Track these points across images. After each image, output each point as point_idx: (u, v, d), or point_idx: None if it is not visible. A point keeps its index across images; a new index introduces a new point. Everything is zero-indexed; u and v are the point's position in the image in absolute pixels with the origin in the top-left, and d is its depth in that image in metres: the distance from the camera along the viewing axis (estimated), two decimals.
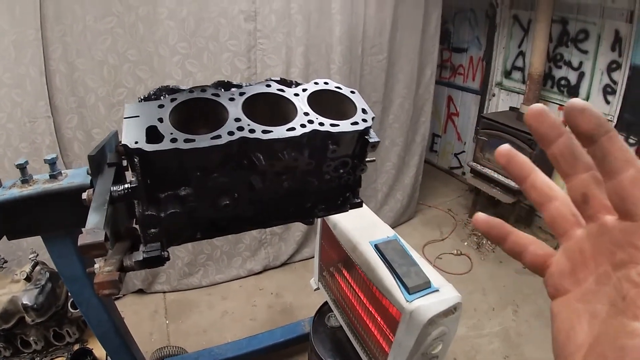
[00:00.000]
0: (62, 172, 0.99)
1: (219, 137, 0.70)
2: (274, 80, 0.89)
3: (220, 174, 0.77)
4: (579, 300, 0.34)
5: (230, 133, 0.71)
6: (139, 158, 0.70)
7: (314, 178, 0.89)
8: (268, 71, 2.89)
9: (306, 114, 0.79)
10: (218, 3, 2.61)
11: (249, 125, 0.73)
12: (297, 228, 3.56)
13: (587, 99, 3.47)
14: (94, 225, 0.64)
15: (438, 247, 3.90)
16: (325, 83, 0.91)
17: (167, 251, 0.78)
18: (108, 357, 1.53)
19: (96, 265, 0.71)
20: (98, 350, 1.53)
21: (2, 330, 1.48)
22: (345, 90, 0.91)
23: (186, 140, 0.69)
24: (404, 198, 4.14)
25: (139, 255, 0.75)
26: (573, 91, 3.58)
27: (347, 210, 1.00)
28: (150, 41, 2.58)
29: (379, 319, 1.45)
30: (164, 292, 3.39)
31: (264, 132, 0.73)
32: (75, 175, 0.98)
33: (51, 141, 2.64)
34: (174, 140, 0.69)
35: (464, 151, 5.02)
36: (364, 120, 0.85)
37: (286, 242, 3.62)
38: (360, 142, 0.88)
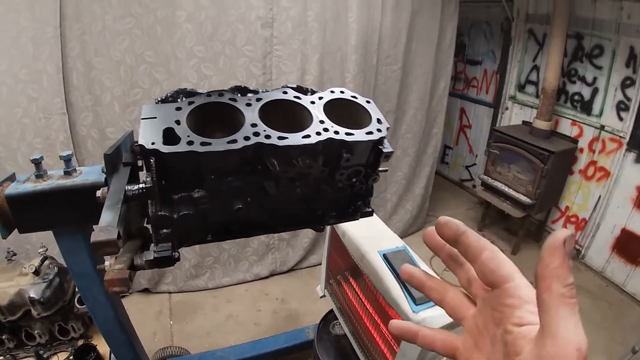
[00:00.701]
0: (77, 169, 1.00)
1: (235, 141, 0.70)
2: (291, 87, 0.89)
3: (235, 178, 0.77)
4: None
5: (247, 138, 0.71)
6: (154, 159, 0.70)
7: (326, 185, 0.89)
8: (283, 78, 2.92)
9: (322, 122, 0.80)
10: (236, 8, 2.64)
11: (265, 131, 0.73)
12: (305, 235, 3.57)
13: (600, 115, 3.46)
14: (108, 223, 0.65)
15: None
16: (342, 92, 0.91)
17: (178, 252, 0.79)
18: (112, 354, 1.53)
19: (106, 263, 0.71)
20: (102, 347, 1.53)
21: (8, 322, 1.49)
22: (361, 100, 0.91)
23: (203, 144, 0.69)
24: (413, 209, 4.13)
25: (150, 255, 0.75)
26: (586, 107, 3.56)
27: (358, 219, 0.99)
28: (167, 43, 2.61)
29: (384, 329, 1.44)
30: (170, 293, 3.41)
31: (280, 138, 0.73)
32: (89, 173, 0.99)
33: (65, 138, 2.67)
34: (190, 142, 0.69)
35: (475, 164, 5.01)
36: (379, 130, 0.85)
37: (294, 248, 3.63)
38: (374, 151, 0.88)
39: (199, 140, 0.69)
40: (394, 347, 1.34)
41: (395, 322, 0.51)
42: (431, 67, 3.61)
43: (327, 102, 0.86)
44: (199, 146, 0.69)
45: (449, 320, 1.25)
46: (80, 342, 1.60)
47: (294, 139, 0.74)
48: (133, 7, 2.48)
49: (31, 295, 1.43)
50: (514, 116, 4.31)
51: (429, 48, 3.52)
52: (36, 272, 1.48)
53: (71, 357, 1.55)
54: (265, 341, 2.54)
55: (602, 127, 3.46)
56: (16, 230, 0.98)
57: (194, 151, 0.68)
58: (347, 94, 0.91)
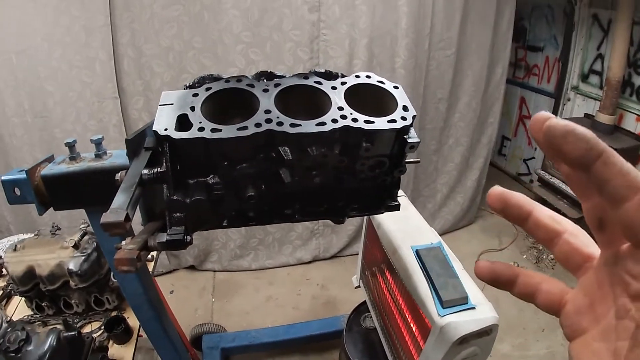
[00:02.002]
0: (108, 152, 1.04)
1: (245, 128, 0.69)
2: (316, 73, 0.86)
3: (248, 165, 0.76)
4: (599, 339, 0.30)
5: (257, 125, 0.69)
6: (168, 144, 0.70)
7: (347, 176, 0.85)
8: (331, 62, 2.88)
9: (340, 108, 0.76)
10: None
11: (278, 117, 0.71)
12: (351, 222, 3.53)
13: None
14: (118, 206, 0.66)
15: (495, 257, 3.68)
16: (368, 76, 0.87)
17: (191, 236, 0.79)
18: (140, 328, 1.60)
19: (123, 242, 0.73)
20: (133, 319, 1.62)
21: (48, 290, 1.60)
22: (388, 85, 0.86)
23: (213, 130, 0.68)
24: (464, 201, 3.97)
25: (163, 237, 0.76)
26: None
27: (382, 213, 0.95)
28: (214, 29, 2.65)
29: (414, 328, 1.39)
30: (214, 271, 3.53)
31: (292, 125, 0.70)
32: (118, 156, 1.02)
33: (118, 120, 2.80)
34: (201, 129, 0.68)
35: (533, 157, 4.71)
36: (404, 119, 0.80)
37: (338, 235, 3.62)
38: (399, 141, 0.83)
39: (210, 127, 0.69)
40: (422, 346, 1.30)
41: (484, 263, 0.39)
42: (487, 52, 3.40)
43: (351, 88, 0.82)
44: (208, 132, 0.68)
45: (479, 327, 1.18)
46: (114, 314, 1.70)
47: (307, 126, 0.71)
48: None
49: (70, 267, 1.53)
50: (576, 108, 4.01)
51: (485, 32, 3.31)
52: (76, 246, 1.57)
53: (102, 327, 1.65)
54: (299, 326, 2.58)
55: None
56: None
57: (203, 137, 0.67)
58: (373, 79, 0.86)
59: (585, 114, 3.83)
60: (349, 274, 3.46)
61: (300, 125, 0.70)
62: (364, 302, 1.96)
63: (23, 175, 0.96)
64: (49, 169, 0.99)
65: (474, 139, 3.77)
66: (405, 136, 0.83)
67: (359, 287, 1.98)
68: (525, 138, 4.80)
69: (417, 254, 1.35)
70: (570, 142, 0.27)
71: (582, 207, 0.33)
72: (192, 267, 3.52)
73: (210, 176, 0.76)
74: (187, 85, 0.85)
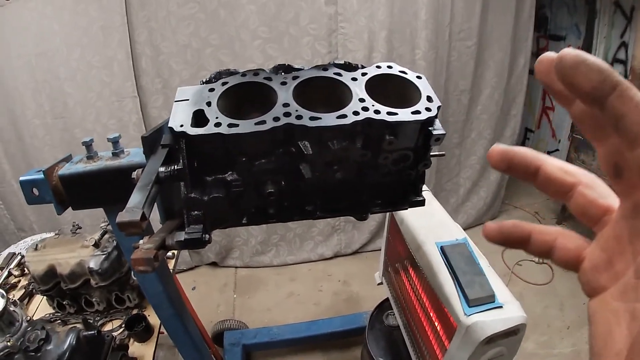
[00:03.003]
0: (125, 150, 1.03)
1: (263, 122, 0.66)
2: (336, 64, 0.82)
3: (267, 161, 0.73)
4: (618, 298, 0.27)
5: (276, 119, 0.66)
6: (184, 141, 0.68)
7: (370, 170, 0.81)
8: (350, 56, 2.85)
9: (361, 100, 0.73)
10: None
11: (297, 111, 0.68)
12: (372, 217, 3.50)
13: None
14: (134, 205, 0.64)
15: (519, 253, 3.48)
16: (389, 67, 0.83)
17: (209, 234, 0.77)
18: (161, 326, 1.61)
19: (141, 241, 0.71)
20: (153, 317, 1.62)
21: (69, 289, 1.61)
22: (411, 75, 0.82)
23: (230, 125, 0.66)
24: (487, 196, 3.88)
25: (181, 236, 0.74)
26: None
27: (407, 208, 0.91)
28: (231, 26, 2.64)
29: (438, 327, 1.35)
30: (236, 267, 3.54)
31: (312, 118, 0.67)
32: (136, 154, 1.02)
33: (137, 119, 2.82)
34: (217, 124, 0.66)
35: (557, 149, 4.56)
36: (428, 110, 0.76)
37: (359, 231, 3.59)
38: (423, 134, 0.79)
39: (227, 122, 0.66)
40: (447, 346, 1.26)
41: (492, 225, 0.36)
42: (509, 42, 3.30)
43: (372, 79, 0.78)
44: (225, 128, 0.65)
45: (507, 326, 1.13)
46: (135, 312, 1.70)
47: (328, 119, 0.68)
48: None
49: (90, 266, 1.54)
50: None
51: (506, 21, 3.21)
52: (96, 245, 1.58)
53: (123, 325, 1.65)
54: (321, 322, 2.56)
55: None
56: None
57: (220, 133, 0.64)
58: (395, 69, 0.83)
59: None
60: (371, 270, 3.43)
61: (320, 118, 0.67)
62: (387, 299, 1.92)
63: (41, 176, 0.96)
64: (66, 169, 0.98)
65: (497, 132, 3.68)
66: (430, 128, 0.79)
67: (381, 283, 1.95)
68: (549, 130, 4.67)
69: (442, 250, 1.31)
70: (583, 72, 0.24)
71: (598, 153, 0.29)
72: (213, 264, 3.54)
73: (229, 173, 0.74)
74: (204, 80, 0.83)
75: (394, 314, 1.81)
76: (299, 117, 0.66)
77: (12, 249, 2.33)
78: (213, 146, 0.69)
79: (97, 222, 2.96)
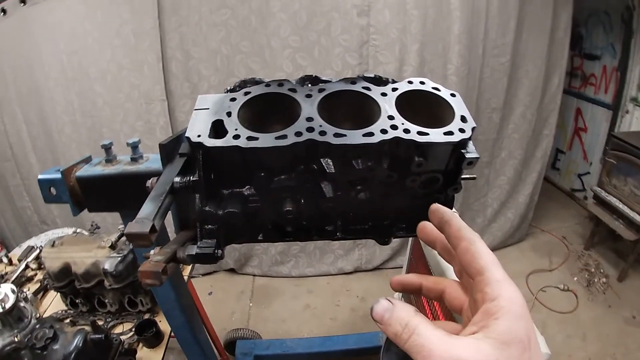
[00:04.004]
0: (144, 155, 1.01)
1: (284, 137, 0.62)
2: (365, 78, 0.78)
3: (287, 177, 0.69)
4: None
5: (298, 134, 0.62)
6: (201, 152, 0.64)
7: (395, 192, 0.77)
8: (380, 68, 2.82)
9: (390, 117, 0.68)
10: None
11: (320, 126, 0.64)
12: None
13: None
14: (145, 215, 0.61)
15: (544, 278, 3.49)
16: (421, 82, 0.78)
17: (222, 250, 0.73)
18: (171, 333, 1.58)
19: (152, 252, 0.68)
20: (164, 323, 1.59)
21: (82, 288, 1.62)
22: (444, 93, 0.77)
23: (249, 138, 0.62)
24: (515, 218, 3.77)
25: (193, 250, 0.71)
26: None
27: None
28: (262, 34, 2.64)
29: None
30: (254, 276, 3.53)
31: (336, 135, 0.63)
32: (155, 161, 1.00)
33: (165, 122, 2.85)
34: (236, 137, 0.62)
35: (589, 172, 4.43)
36: (462, 131, 0.71)
37: (381, 247, 3.52)
38: (455, 156, 0.73)
39: (246, 135, 0.62)
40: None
41: (394, 279, 0.57)
42: (544, 60, 3.22)
43: (402, 95, 0.74)
44: (244, 141, 0.62)
45: None
46: (147, 316, 1.69)
47: (353, 137, 0.64)
48: None
49: (105, 267, 1.53)
50: (635, 121, 3.71)
51: (541, 38, 3.13)
52: (112, 246, 1.58)
53: (133, 329, 1.64)
54: (335, 339, 2.50)
55: None
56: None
57: (237, 146, 0.61)
58: (428, 85, 0.78)
59: None
60: (391, 287, 3.33)
61: (345, 135, 0.63)
62: None
63: (58, 175, 0.95)
64: (84, 171, 0.97)
65: (528, 152, 3.58)
66: (462, 151, 0.74)
67: None
68: (580, 152, 4.52)
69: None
70: (434, 214, 0.51)
71: (453, 269, 0.51)
72: (232, 270, 3.52)
73: (246, 187, 0.70)
74: (228, 89, 0.80)
75: None
76: (322, 132, 0.62)
77: (32, 241, 2.36)
78: (231, 159, 0.65)
79: (119, 220, 3.01)
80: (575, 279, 3.47)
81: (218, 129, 0.66)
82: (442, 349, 0.35)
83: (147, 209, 0.63)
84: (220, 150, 0.62)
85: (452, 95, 0.78)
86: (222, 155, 0.64)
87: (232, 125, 0.64)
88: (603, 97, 4.10)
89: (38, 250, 2.08)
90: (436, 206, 0.48)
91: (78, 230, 1.72)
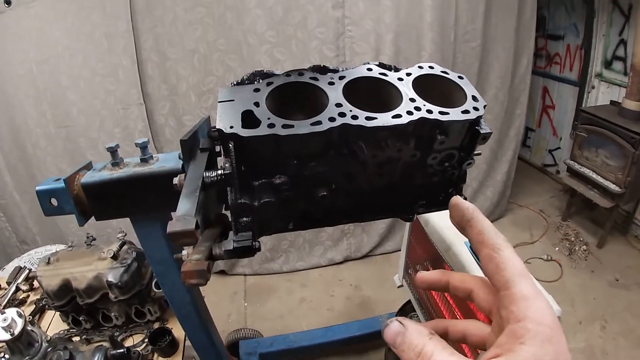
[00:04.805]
0: (153, 156, 0.99)
1: (319, 123, 0.64)
2: (374, 64, 0.80)
3: (319, 163, 0.70)
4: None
5: (332, 119, 0.64)
6: (233, 144, 0.65)
7: (416, 171, 0.80)
8: (357, 59, 2.84)
9: (412, 99, 0.71)
10: None
11: (351, 111, 0.66)
12: (381, 220, 3.49)
13: None
14: (185, 212, 0.61)
15: (527, 251, 3.62)
16: (431, 67, 0.81)
17: (259, 241, 0.74)
18: (186, 339, 1.55)
19: (184, 252, 0.67)
20: (177, 330, 1.56)
21: (85, 304, 1.55)
22: (453, 75, 0.80)
23: (284, 126, 0.63)
24: (494, 195, 3.90)
25: (229, 244, 0.71)
26: None
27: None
28: (239, 30, 2.62)
29: None
30: (245, 275, 3.51)
31: (368, 118, 0.65)
32: (166, 160, 0.98)
33: (143, 127, 2.80)
34: (271, 125, 0.63)
35: (559, 147, 4.61)
36: (476, 109, 0.74)
37: (369, 234, 3.58)
38: (470, 133, 0.77)
39: (281, 123, 0.63)
40: (478, 351, 1.23)
41: (419, 276, 0.53)
42: (512, 43, 3.32)
43: (415, 79, 0.77)
44: (280, 129, 0.63)
45: None
46: (156, 325, 1.64)
47: (384, 119, 0.66)
48: None
49: (109, 279, 1.48)
50: (600, 95, 3.89)
51: (509, 22, 3.23)
52: (114, 257, 1.52)
53: (146, 340, 1.59)
54: (337, 328, 2.53)
55: None
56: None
57: (275, 134, 0.62)
58: (437, 69, 0.81)
59: (610, 101, 3.71)
60: (382, 273, 3.44)
61: (376, 118, 0.65)
62: (409, 302, 1.90)
63: (61, 185, 0.90)
64: (89, 177, 0.94)
65: (502, 132, 3.70)
66: (477, 127, 0.77)
67: (401, 286, 1.92)
68: (549, 128, 4.70)
69: (472, 249, 1.29)
70: (454, 210, 0.44)
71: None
72: (222, 272, 3.50)
73: (277, 176, 0.71)
74: (236, 82, 0.81)
75: (417, 316, 1.78)
76: (354, 117, 0.64)
77: (16, 262, 2.28)
78: (264, 149, 0.66)
79: (101, 232, 2.93)
80: (557, 249, 3.62)
81: (246, 119, 0.67)
82: None
83: (185, 205, 0.63)
84: (255, 140, 0.62)
85: (460, 77, 0.81)
86: (255, 146, 0.65)
87: (264, 114, 0.65)
88: (568, 74, 4.27)
89: (27, 271, 2.00)
90: (457, 200, 0.44)
91: (73, 244, 1.64)
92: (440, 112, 0.70)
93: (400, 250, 1.89)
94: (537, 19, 3.53)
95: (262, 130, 0.62)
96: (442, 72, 0.81)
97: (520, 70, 3.56)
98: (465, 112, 0.72)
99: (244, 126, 0.65)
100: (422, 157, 0.76)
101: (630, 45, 3.44)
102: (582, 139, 3.55)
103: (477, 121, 0.75)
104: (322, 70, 0.81)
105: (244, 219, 0.71)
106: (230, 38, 2.63)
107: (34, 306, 1.84)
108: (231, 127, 0.63)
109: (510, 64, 3.41)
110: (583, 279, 3.25)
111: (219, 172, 0.70)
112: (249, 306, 3.18)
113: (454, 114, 0.71)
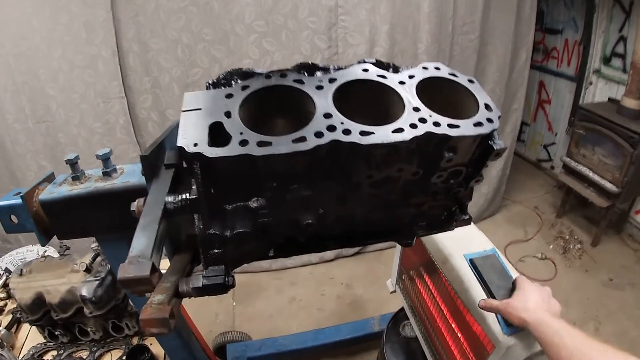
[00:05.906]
0: (117, 168, 0.87)
1: (303, 139, 0.52)
2: (370, 62, 0.69)
3: (303, 185, 0.59)
4: None
5: (318, 134, 0.53)
6: (199, 164, 0.53)
7: (417, 190, 0.68)
8: (350, 50, 2.71)
9: (416, 109, 0.59)
10: None
11: (342, 124, 0.55)
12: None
13: None
14: (139, 252, 0.49)
15: (521, 249, 3.55)
16: (437, 68, 0.70)
17: (232, 276, 0.62)
18: (166, 356, 1.45)
19: None
20: (157, 346, 1.46)
21: (60, 319, 1.45)
22: (462, 79, 0.69)
23: (260, 144, 0.52)
24: (489, 192, 3.81)
25: (198, 281, 0.60)
26: None
27: (453, 229, 0.79)
28: (225, 19, 2.48)
29: (462, 340, 1.24)
30: (233, 274, 3.39)
31: (363, 133, 0.54)
32: (131, 173, 0.86)
33: (125, 121, 2.67)
34: (243, 142, 0.52)
35: (554, 143, 4.53)
36: (489, 121, 0.64)
37: None
38: (482, 147, 0.65)
39: (256, 139, 0.52)
40: (471, 358, 1.15)
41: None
42: (511, 36, 3.21)
43: (419, 83, 0.65)
44: (255, 147, 0.51)
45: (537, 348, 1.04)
46: (135, 340, 1.54)
47: (382, 134, 0.55)
48: None
49: (83, 294, 1.38)
50: (598, 92, 3.80)
51: (508, 16, 3.11)
52: (87, 270, 1.42)
53: (124, 358, 1.49)
54: (328, 331, 2.45)
55: None
56: None
57: (249, 155, 0.50)
58: (444, 71, 0.70)
59: (609, 98, 3.62)
60: (374, 271, 3.35)
61: (373, 133, 0.54)
62: (402, 309, 1.81)
63: (19, 200, 0.80)
64: (48, 193, 0.83)
65: (498, 127, 3.57)
66: (490, 142, 0.66)
67: (394, 291, 1.83)
68: (545, 123, 4.62)
69: (472, 263, 1.19)
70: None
71: None
72: None
73: (254, 199, 0.60)
74: (211, 82, 0.68)
75: (410, 324, 1.70)
76: (346, 131, 0.53)
77: None
78: (237, 169, 0.55)
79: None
80: (551, 247, 3.55)
81: (215, 133, 0.55)
82: None
83: (140, 242, 0.51)
84: (225, 160, 0.51)
85: (470, 81, 0.70)
86: (225, 166, 0.53)
87: (235, 128, 0.53)
88: (566, 69, 4.18)
89: (5, 276, 1.87)
90: (485, 305, 0.48)
91: (46, 253, 1.52)
92: (449, 125, 0.58)
93: (392, 247, 1.79)
94: (536, 12, 3.43)
95: (232, 150, 0.51)
96: (450, 74, 0.70)
97: (519, 64, 3.45)
98: (478, 124, 0.61)
99: (212, 142, 0.53)
100: (425, 176, 0.65)
101: (630, 43, 3.35)
102: (579, 136, 3.47)
103: (490, 135, 0.64)
104: (310, 68, 0.69)
105: (215, 251, 0.60)
106: (217, 28, 2.49)
107: (11, 316, 1.73)
108: (195, 145, 0.51)
109: (509, 58, 3.30)
110: (577, 279, 3.19)
111: (184, 196, 0.59)
112: (237, 306, 3.07)
113: (465, 127, 0.59)
